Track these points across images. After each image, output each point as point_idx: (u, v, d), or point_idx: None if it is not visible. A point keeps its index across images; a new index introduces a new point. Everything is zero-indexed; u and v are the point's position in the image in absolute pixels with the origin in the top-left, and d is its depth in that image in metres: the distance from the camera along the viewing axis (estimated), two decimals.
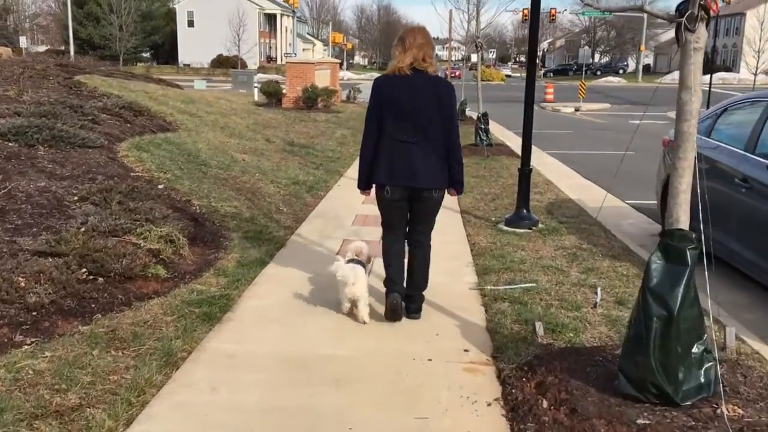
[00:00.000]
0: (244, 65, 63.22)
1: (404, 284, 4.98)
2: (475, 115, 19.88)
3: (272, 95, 24.04)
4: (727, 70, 66.52)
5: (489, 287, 5.73)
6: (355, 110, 23.79)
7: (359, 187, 5.00)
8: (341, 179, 11.32)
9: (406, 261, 5.03)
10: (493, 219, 8.61)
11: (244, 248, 6.67)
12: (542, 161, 15.16)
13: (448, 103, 4.69)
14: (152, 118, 11.94)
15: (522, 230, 7.86)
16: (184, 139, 10.89)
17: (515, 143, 18.47)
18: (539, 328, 4.63)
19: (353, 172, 11.50)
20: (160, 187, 7.97)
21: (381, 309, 5.09)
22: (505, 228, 7.97)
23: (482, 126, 15.39)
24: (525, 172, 8.08)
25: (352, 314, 5.01)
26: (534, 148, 19.07)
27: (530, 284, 5.77)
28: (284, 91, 24.23)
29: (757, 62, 29.43)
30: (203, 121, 13.82)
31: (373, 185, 4.91)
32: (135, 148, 9.20)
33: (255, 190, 9.25)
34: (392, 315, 4.90)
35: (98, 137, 8.99)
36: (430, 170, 4.68)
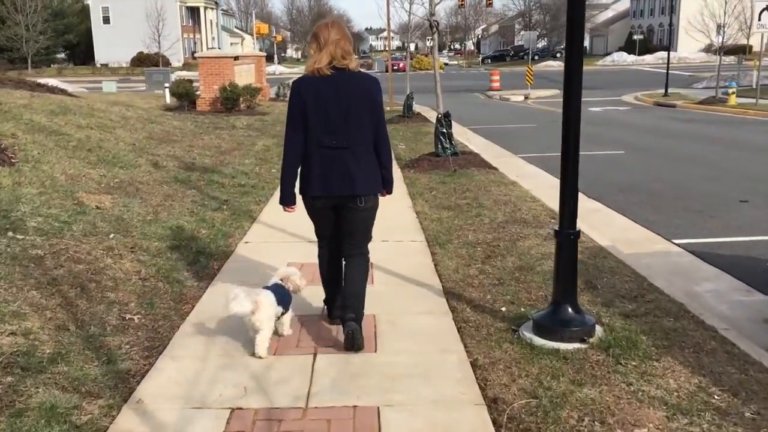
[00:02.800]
0: (166, 63, 58.42)
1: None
2: (430, 115, 16.32)
3: (184, 97, 20.00)
4: (665, 49, 64.78)
5: None
6: (285, 110, 19.83)
7: (281, 202, 4.33)
8: (253, 227, 7.46)
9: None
10: (503, 309, 4.99)
11: None
12: (523, 171, 11.71)
13: (377, 101, 4.24)
14: None
15: (570, 346, 4.24)
16: (0, 180, 6.95)
17: (479, 146, 14.93)
18: None
19: (273, 212, 7.72)
20: None
21: None
22: (538, 340, 4.34)
23: (444, 130, 11.70)
24: (568, 237, 4.41)
25: None
26: (503, 151, 15.53)
27: None
28: (198, 91, 20.25)
29: (722, 37, 26.85)
30: (64, 141, 9.83)
31: (300, 197, 4.30)
32: None
33: (93, 273, 5.36)
34: (351, 343, 4.22)
35: None
36: (365, 175, 4.20)
